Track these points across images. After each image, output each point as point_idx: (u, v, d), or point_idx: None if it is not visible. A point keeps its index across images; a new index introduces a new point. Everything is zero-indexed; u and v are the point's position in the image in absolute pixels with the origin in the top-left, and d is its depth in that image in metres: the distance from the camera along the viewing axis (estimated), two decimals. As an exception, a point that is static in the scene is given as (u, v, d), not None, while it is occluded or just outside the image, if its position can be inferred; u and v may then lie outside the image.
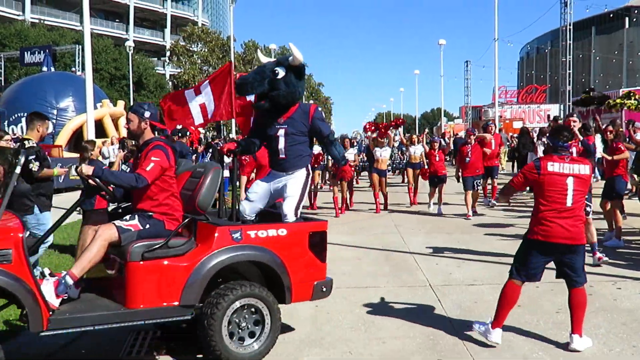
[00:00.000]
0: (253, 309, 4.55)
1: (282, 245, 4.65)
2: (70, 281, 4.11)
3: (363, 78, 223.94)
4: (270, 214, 5.19)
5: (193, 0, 75.45)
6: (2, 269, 3.74)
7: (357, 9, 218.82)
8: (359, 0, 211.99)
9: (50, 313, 3.92)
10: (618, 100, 14.01)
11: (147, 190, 4.51)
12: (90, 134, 14.44)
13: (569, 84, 37.39)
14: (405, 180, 17.77)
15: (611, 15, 63.60)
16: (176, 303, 4.30)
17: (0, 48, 43.12)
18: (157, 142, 4.61)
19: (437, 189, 13.23)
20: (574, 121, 7.34)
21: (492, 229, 10.65)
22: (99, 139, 15.53)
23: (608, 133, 9.79)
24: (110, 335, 4.97)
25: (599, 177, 13.89)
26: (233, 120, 13.39)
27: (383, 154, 13.49)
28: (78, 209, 5.33)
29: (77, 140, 23.46)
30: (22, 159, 4.22)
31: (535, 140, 15.12)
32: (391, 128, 14.05)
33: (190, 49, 55.29)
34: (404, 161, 18.30)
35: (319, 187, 15.87)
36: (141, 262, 4.24)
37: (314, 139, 5.19)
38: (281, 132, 4.96)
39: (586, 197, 6.98)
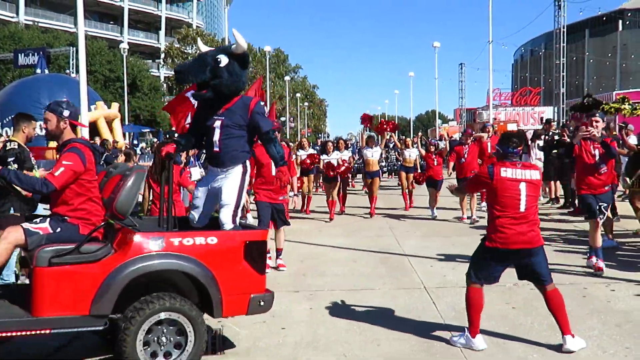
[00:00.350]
0: (173, 323, 4.24)
1: (211, 255, 4.33)
2: None
3: (358, 80, 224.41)
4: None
5: (188, 2, 75.38)
6: None
7: (351, 11, 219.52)
8: (354, 2, 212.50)
9: None
10: (613, 105, 14.05)
11: (62, 194, 4.32)
12: (84, 136, 14.38)
13: (563, 87, 37.58)
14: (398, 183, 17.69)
15: (605, 18, 63.86)
16: (86, 313, 4.08)
17: (-6, 50, 42.98)
18: (73, 144, 4.38)
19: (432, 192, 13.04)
20: (597, 121, 7.19)
21: (487, 231, 10.65)
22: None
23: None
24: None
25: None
26: None
27: (374, 155, 13.24)
28: None
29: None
30: None
31: (529, 142, 15.12)
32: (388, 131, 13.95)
33: (185, 51, 55.26)
34: (399, 163, 18.14)
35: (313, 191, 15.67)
36: (48, 268, 4.02)
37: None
38: (217, 123, 4.70)
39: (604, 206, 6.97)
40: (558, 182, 13.94)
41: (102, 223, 4.40)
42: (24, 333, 4.01)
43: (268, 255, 7.44)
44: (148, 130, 46.22)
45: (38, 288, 4.05)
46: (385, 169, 20.78)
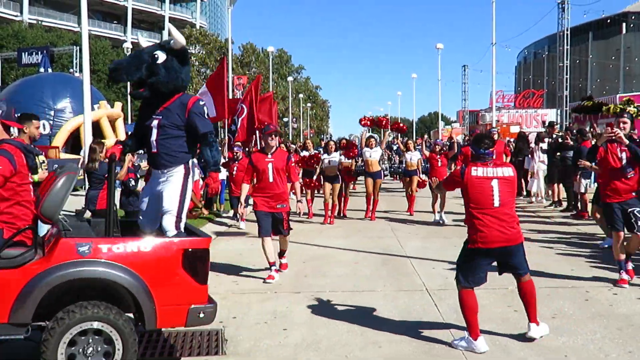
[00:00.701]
0: (99, 333, 4.01)
1: (143, 263, 4.07)
2: None
3: (361, 81, 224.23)
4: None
5: (191, 2, 75.49)
6: None
7: (355, 12, 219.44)
8: (357, 3, 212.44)
9: None
10: (619, 106, 14.04)
11: None
12: (87, 135, 14.39)
13: (566, 89, 37.58)
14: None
15: (608, 21, 63.86)
16: (5, 321, 3.88)
17: (-2, 49, 43.11)
18: (2, 146, 4.21)
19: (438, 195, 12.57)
20: (624, 122, 6.84)
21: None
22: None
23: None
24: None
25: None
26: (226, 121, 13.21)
27: (373, 155, 12.85)
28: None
29: (74, 142, 23.41)
30: None
31: (532, 145, 15.09)
32: (390, 130, 13.77)
33: (188, 51, 55.30)
34: (403, 167, 17.94)
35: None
36: None
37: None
38: (155, 123, 4.53)
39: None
40: (561, 185, 13.92)
41: (25, 227, 4.22)
42: None
43: (271, 259, 7.40)
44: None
45: None
46: (386, 171, 20.69)
